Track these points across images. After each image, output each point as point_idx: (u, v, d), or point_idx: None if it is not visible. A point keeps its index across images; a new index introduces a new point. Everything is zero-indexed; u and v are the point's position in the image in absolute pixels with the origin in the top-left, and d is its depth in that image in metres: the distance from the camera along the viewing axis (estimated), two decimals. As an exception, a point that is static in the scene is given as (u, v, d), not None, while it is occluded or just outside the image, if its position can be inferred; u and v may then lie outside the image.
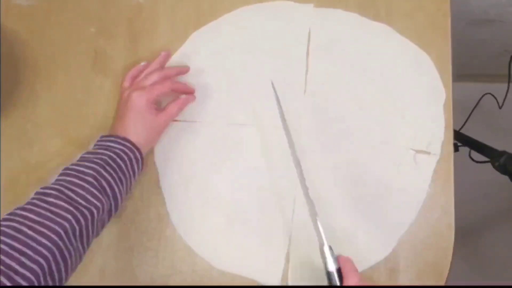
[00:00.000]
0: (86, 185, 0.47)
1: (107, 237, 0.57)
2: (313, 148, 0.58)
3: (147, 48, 0.63)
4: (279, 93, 0.59)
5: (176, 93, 0.58)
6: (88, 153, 0.51)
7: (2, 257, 0.39)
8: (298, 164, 0.52)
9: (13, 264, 0.39)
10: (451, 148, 0.58)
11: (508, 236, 1.21)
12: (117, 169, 0.50)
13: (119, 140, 0.52)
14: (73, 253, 0.44)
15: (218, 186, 0.58)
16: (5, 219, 0.42)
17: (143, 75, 0.58)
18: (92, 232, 0.47)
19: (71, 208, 0.44)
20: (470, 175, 0.83)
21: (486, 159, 0.78)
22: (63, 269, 0.42)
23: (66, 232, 0.43)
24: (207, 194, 0.58)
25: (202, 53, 0.62)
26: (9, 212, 0.43)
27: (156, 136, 0.57)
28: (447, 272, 0.55)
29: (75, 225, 0.44)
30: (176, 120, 0.60)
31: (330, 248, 0.47)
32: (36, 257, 0.40)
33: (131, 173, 0.52)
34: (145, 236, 0.57)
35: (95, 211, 0.46)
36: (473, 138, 0.85)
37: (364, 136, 0.59)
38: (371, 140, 0.59)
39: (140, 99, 0.53)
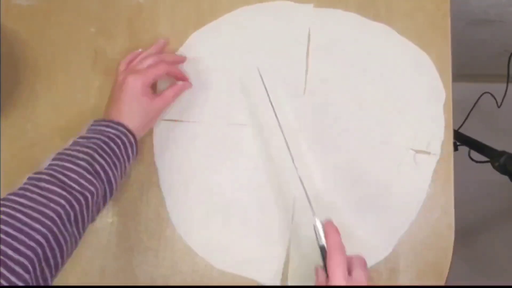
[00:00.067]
0: (80, 170, 0.46)
1: (107, 237, 0.58)
2: (313, 148, 0.58)
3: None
4: (279, 93, 0.59)
5: (172, 79, 0.58)
6: (81, 137, 0.50)
7: None
8: (286, 143, 0.52)
9: (7, 250, 0.38)
10: (451, 148, 0.58)
11: (508, 236, 1.21)
12: (111, 154, 0.49)
13: (112, 125, 0.51)
14: (68, 238, 0.43)
15: (218, 186, 0.58)
16: None
17: (138, 59, 0.57)
18: (88, 217, 0.46)
19: (64, 193, 0.44)
20: (470, 175, 0.83)
21: (486, 159, 0.78)
22: (58, 255, 0.42)
23: (60, 217, 0.42)
24: (207, 194, 0.58)
25: (202, 53, 0.62)
26: (1, 197, 0.43)
27: (151, 121, 0.56)
28: (447, 272, 0.55)
29: (69, 210, 0.43)
30: (176, 120, 0.60)
31: (321, 222, 0.47)
32: (30, 242, 0.39)
33: (125, 157, 0.51)
34: (145, 236, 0.57)
35: (89, 196, 0.46)
36: (473, 138, 0.85)
37: (364, 136, 0.59)
38: (371, 140, 0.59)
39: (136, 82, 0.53)
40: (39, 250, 0.40)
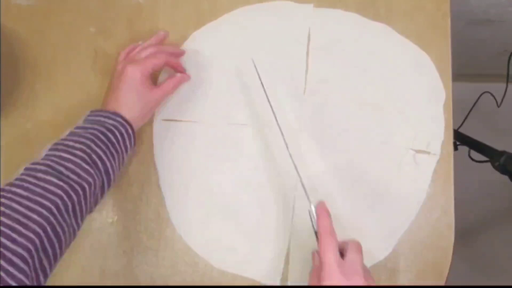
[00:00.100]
0: (77, 160, 0.45)
1: (107, 237, 0.58)
2: (312, 148, 0.58)
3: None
4: (279, 92, 0.59)
5: (171, 72, 0.58)
6: (78, 127, 0.49)
7: None
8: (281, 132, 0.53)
9: (5, 241, 0.38)
10: (451, 148, 0.58)
11: (508, 236, 1.21)
12: (109, 144, 0.49)
13: (109, 115, 0.50)
14: (66, 229, 0.43)
15: (218, 186, 0.58)
16: None
17: (138, 49, 0.57)
18: (86, 208, 0.46)
19: (61, 184, 0.43)
20: (470, 175, 0.84)
21: (485, 158, 0.78)
22: (57, 246, 0.42)
23: (57, 207, 0.42)
24: (207, 194, 0.58)
25: (202, 53, 0.62)
26: None
27: (149, 112, 0.56)
28: (447, 272, 0.55)
29: (67, 200, 0.43)
30: (176, 120, 0.60)
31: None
32: (28, 233, 0.39)
33: (123, 148, 0.51)
34: (145, 236, 0.57)
35: (86, 187, 0.45)
36: (473, 137, 0.85)
37: (364, 136, 0.59)
38: (371, 140, 0.59)
39: (135, 72, 0.53)
40: (37, 241, 0.39)
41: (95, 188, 0.47)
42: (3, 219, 0.39)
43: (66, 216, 0.43)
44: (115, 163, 0.49)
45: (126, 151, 0.52)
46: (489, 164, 0.77)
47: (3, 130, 0.61)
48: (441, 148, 0.58)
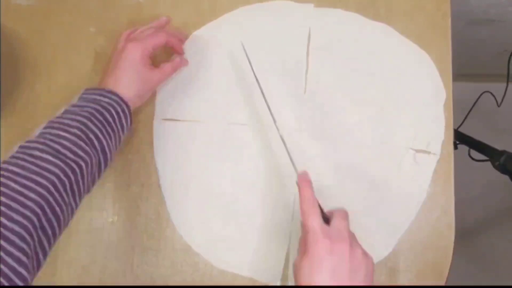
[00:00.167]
0: (73, 138, 0.45)
1: (108, 237, 0.58)
2: (313, 147, 0.58)
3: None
4: (279, 92, 0.59)
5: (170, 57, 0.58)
6: (72, 106, 0.49)
7: None
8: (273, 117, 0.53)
9: (2, 219, 0.37)
10: (451, 148, 0.58)
11: (508, 236, 1.21)
12: (104, 123, 0.48)
13: (104, 93, 0.50)
14: (64, 208, 0.42)
15: (218, 186, 0.58)
16: None
17: (139, 30, 0.57)
18: (83, 187, 0.45)
19: (57, 161, 0.43)
20: (470, 174, 0.84)
21: (485, 157, 0.78)
22: (55, 224, 0.41)
23: (54, 185, 0.41)
24: (207, 193, 0.58)
25: (202, 53, 0.62)
26: None
27: (147, 92, 0.56)
28: (447, 272, 0.55)
29: (64, 178, 0.42)
30: (176, 120, 0.60)
31: None
32: (25, 211, 0.39)
33: (119, 127, 0.50)
34: (145, 235, 0.57)
35: (83, 165, 0.45)
36: (473, 137, 0.85)
37: (364, 136, 0.59)
38: (371, 140, 0.59)
39: (136, 50, 0.52)
40: (35, 219, 0.39)
41: (92, 167, 0.46)
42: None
43: (64, 194, 0.42)
44: (111, 142, 0.49)
45: (123, 130, 0.51)
46: (489, 163, 0.77)
47: (3, 130, 0.61)
48: (441, 148, 0.58)
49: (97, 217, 0.58)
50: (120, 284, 0.57)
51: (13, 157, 0.42)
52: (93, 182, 0.49)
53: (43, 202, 0.40)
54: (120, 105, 0.50)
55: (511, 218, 1.24)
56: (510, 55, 1.01)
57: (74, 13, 0.64)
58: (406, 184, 0.57)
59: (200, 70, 0.61)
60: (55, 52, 0.63)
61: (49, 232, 0.41)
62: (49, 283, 0.57)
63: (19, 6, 0.64)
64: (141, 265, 0.57)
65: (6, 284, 0.35)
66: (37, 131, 0.46)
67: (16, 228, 0.38)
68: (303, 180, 0.46)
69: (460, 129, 0.89)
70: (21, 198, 0.39)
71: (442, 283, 0.55)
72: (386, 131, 0.59)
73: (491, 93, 1.05)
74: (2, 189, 0.39)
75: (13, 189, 0.39)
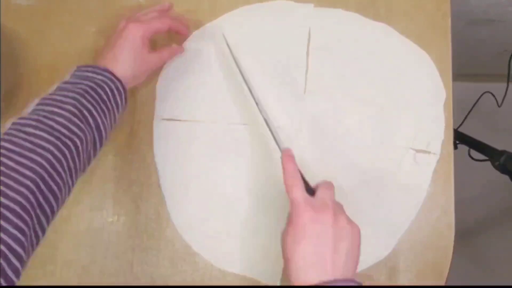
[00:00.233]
0: (67, 114, 0.44)
1: (108, 236, 0.58)
2: (312, 148, 0.58)
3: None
4: (279, 92, 0.59)
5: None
6: (65, 83, 0.48)
7: None
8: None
9: None
10: (451, 148, 0.58)
11: (508, 236, 1.21)
12: (99, 100, 0.47)
13: (98, 70, 0.49)
14: (61, 185, 0.42)
15: (218, 186, 0.58)
16: None
17: (143, 12, 0.57)
18: (79, 165, 0.45)
19: (52, 138, 0.42)
20: (470, 174, 0.84)
21: (486, 157, 0.78)
22: (53, 201, 0.41)
23: (49, 162, 0.41)
24: (207, 193, 0.58)
25: (202, 52, 0.62)
26: None
27: (142, 74, 0.55)
28: (447, 272, 0.55)
29: (59, 155, 0.42)
30: (176, 120, 0.60)
31: None
32: (21, 188, 0.38)
33: (113, 105, 0.49)
34: (145, 235, 0.57)
35: (78, 142, 0.44)
36: (473, 137, 0.85)
37: (364, 136, 0.59)
38: (371, 140, 0.59)
39: (137, 30, 0.52)
40: (31, 197, 0.38)
41: (87, 144, 0.46)
42: None
43: (61, 170, 0.42)
44: (106, 120, 0.48)
45: (118, 108, 0.50)
46: (489, 163, 0.77)
47: (3, 130, 0.61)
48: (441, 148, 0.58)
49: (97, 217, 0.58)
50: (120, 284, 0.57)
51: (6, 133, 0.42)
52: (89, 161, 0.48)
53: (38, 179, 0.39)
54: (114, 83, 0.50)
55: (511, 218, 1.24)
56: (511, 55, 1.01)
57: (74, 13, 0.64)
58: (406, 184, 0.57)
59: (200, 70, 0.61)
60: (55, 52, 0.63)
61: (47, 209, 0.40)
62: (49, 283, 0.57)
63: (19, 6, 0.64)
64: (141, 265, 0.57)
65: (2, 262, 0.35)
66: (29, 108, 0.45)
67: (12, 205, 0.37)
68: (286, 155, 0.47)
69: (460, 129, 0.89)
70: (16, 175, 0.39)
71: (442, 283, 0.55)
72: (386, 131, 0.59)
73: (492, 94, 1.05)
74: None
75: (6, 166, 0.39)
